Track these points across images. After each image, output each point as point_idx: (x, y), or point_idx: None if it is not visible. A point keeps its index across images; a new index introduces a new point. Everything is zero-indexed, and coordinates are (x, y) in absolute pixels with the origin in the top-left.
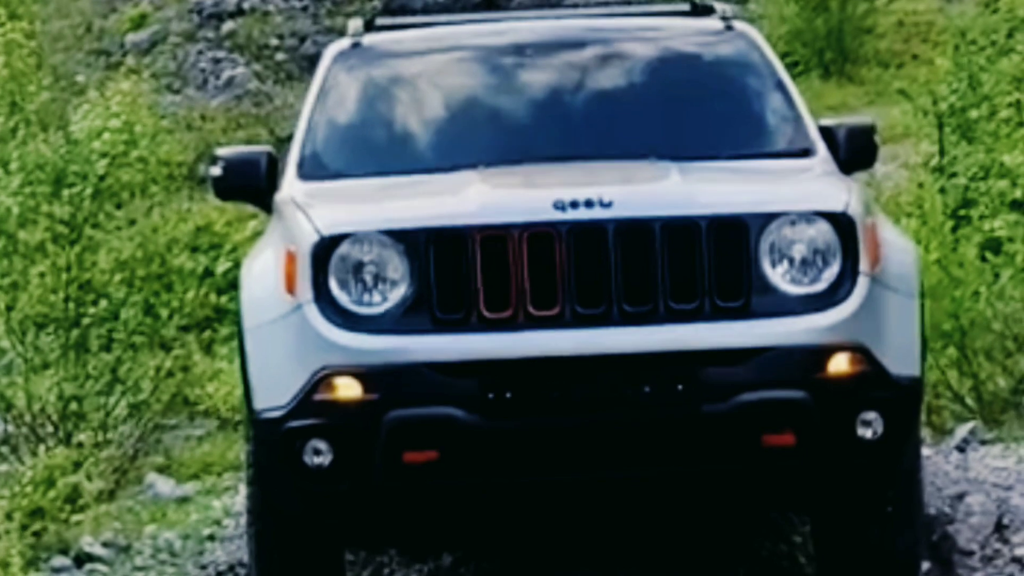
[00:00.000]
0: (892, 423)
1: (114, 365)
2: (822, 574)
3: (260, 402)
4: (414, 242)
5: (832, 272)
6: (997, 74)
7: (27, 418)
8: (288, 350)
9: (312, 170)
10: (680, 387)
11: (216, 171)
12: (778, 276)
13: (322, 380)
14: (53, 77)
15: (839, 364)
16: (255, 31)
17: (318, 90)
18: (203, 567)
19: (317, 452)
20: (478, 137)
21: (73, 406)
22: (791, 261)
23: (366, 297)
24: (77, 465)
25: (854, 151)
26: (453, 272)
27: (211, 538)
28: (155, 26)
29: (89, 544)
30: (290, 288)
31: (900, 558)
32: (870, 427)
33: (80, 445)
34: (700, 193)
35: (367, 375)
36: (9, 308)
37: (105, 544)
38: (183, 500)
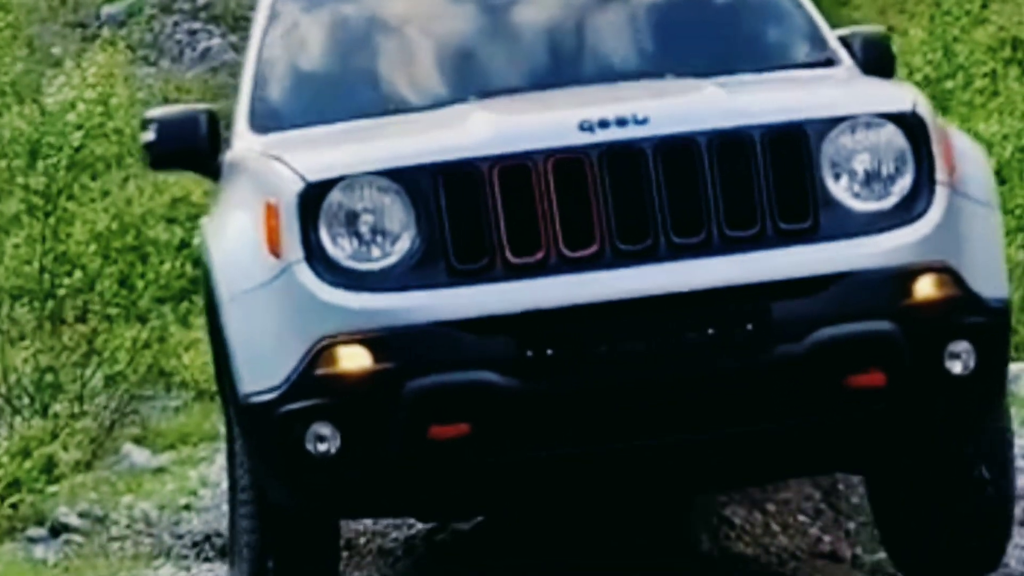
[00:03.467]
0: (984, 355)
1: (90, 336)
2: (891, 552)
3: (247, 384)
4: (418, 182)
5: (905, 183)
6: (972, 44)
7: (2, 390)
8: (278, 320)
9: (268, 121)
10: (750, 327)
11: (149, 136)
12: (844, 191)
13: (323, 351)
14: (28, 49)
15: (925, 288)
16: (231, 2)
17: (263, 27)
18: (179, 537)
19: (321, 438)
20: (463, 66)
21: (49, 377)
22: (857, 173)
23: (366, 250)
24: (53, 436)
25: (873, 61)
26: (468, 213)
27: (187, 508)
28: None
29: (65, 514)
30: (273, 248)
31: (989, 527)
32: (959, 360)
33: (56, 416)
34: (747, 101)
35: (378, 341)
36: None
37: (81, 514)
38: (159, 470)
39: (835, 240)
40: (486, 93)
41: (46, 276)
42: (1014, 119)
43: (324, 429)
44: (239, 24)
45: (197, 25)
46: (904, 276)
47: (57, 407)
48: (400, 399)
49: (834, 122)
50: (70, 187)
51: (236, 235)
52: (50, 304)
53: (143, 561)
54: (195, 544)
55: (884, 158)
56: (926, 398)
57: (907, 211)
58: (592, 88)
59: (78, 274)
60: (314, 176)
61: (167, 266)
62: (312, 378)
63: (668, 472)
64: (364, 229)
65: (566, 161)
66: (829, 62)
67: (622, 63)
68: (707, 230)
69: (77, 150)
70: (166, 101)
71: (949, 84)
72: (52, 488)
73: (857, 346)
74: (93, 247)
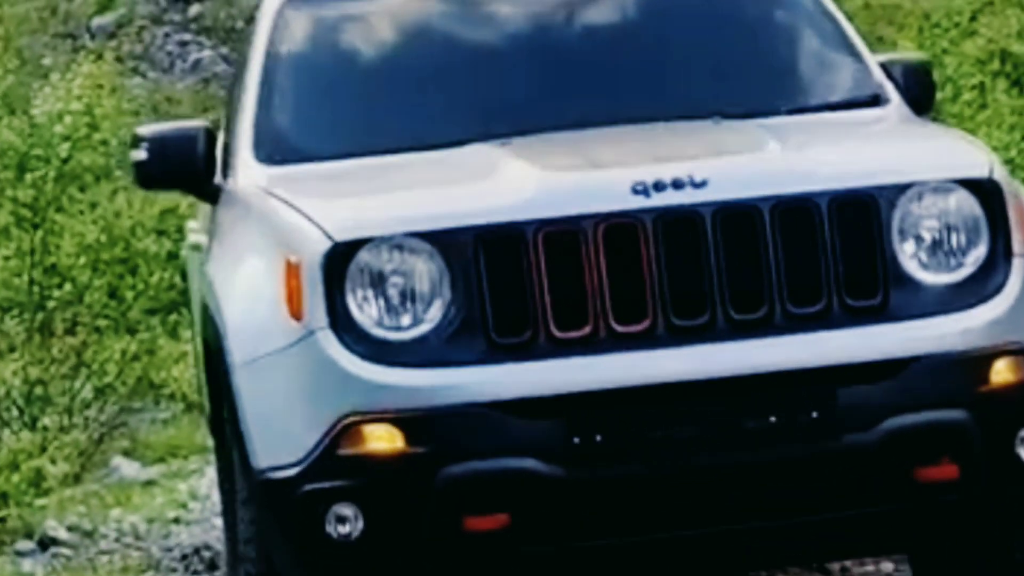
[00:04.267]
0: None
1: (79, 348)
2: None
3: (263, 457)
4: (456, 245)
5: (979, 254)
6: (960, 57)
7: None
8: (299, 391)
9: (276, 151)
10: (815, 414)
11: (140, 155)
12: (914, 264)
13: (348, 429)
14: (19, 60)
15: (1001, 372)
16: (222, 13)
17: (268, 40)
18: (168, 550)
19: (342, 519)
20: (488, 97)
21: (38, 390)
22: (926, 243)
23: (395, 318)
24: (42, 449)
25: (915, 92)
26: (510, 281)
27: (176, 521)
28: (121, 9)
29: (53, 528)
30: (294, 311)
31: None
32: None
33: (45, 429)
34: (812, 163)
35: (410, 421)
36: None
37: (70, 528)
38: (149, 483)
39: (906, 319)
40: (514, 130)
41: (35, 288)
42: (1002, 132)
43: (346, 510)
44: (230, 36)
45: (188, 36)
46: (980, 361)
47: (46, 420)
48: (432, 486)
49: (904, 188)
50: (58, 199)
51: (251, 291)
52: (39, 316)
53: (132, 574)
54: (184, 557)
55: (957, 227)
56: (998, 487)
57: (982, 285)
58: (632, 131)
59: (67, 286)
60: (342, 235)
61: (156, 278)
62: (336, 457)
63: (718, 562)
64: (394, 294)
65: (618, 227)
66: (876, 98)
67: (659, 100)
68: (769, 306)
69: (65, 161)
70: (156, 112)
71: (938, 96)
72: (41, 501)
73: (930, 437)
74: (82, 259)
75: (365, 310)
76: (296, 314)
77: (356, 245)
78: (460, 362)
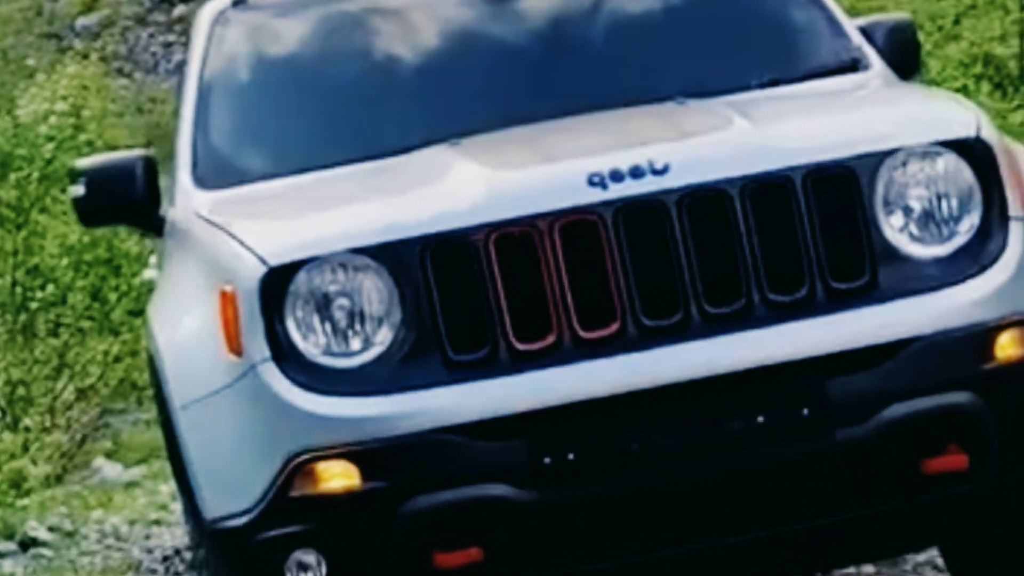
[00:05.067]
0: None
1: (62, 350)
2: None
3: (213, 507)
4: (401, 258)
5: (972, 221)
6: (944, 60)
7: None
8: (244, 432)
9: (213, 174)
10: (805, 411)
11: (78, 190)
12: (902, 237)
13: (299, 469)
14: (3, 60)
15: (1007, 347)
16: None
17: (201, 57)
18: (149, 551)
19: (305, 567)
20: (439, 97)
21: (20, 390)
22: (914, 214)
23: (343, 344)
24: (24, 450)
25: (898, 55)
26: (463, 293)
27: (158, 523)
28: (105, 10)
29: (34, 529)
30: (233, 345)
31: None
32: None
33: (27, 430)
34: (782, 136)
35: (365, 455)
36: None
37: (51, 529)
38: (131, 485)
39: (897, 298)
40: (465, 130)
41: (18, 289)
42: None
43: (307, 557)
44: None
45: (172, 37)
46: (982, 336)
47: (28, 421)
48: (396, 523)
49: (886, 155)
50: (42, 200)
51: (187, 327)
52: (22, 317)
53: (113, 575)
54: (165, 559)
55: (946, 193)
56: (1013, 473)
57: (977, 255)
58: (589, 119)
59: (50, 287)
60: (277, 259)
61: (139, 279)
62: (289, 500)
63: None
64: (339, 317)
65: (575, 224)
66: (855, 64)
67: (618, 84)
68: (746, 297)
69: (49, 162)
70: (140, 112)
71: None
72: (22, 502)
73: (933, 425)
74: (65, 260)
75: (309, 338)
76: (235, 349)
77: (293, 268)
78: (416, 386)
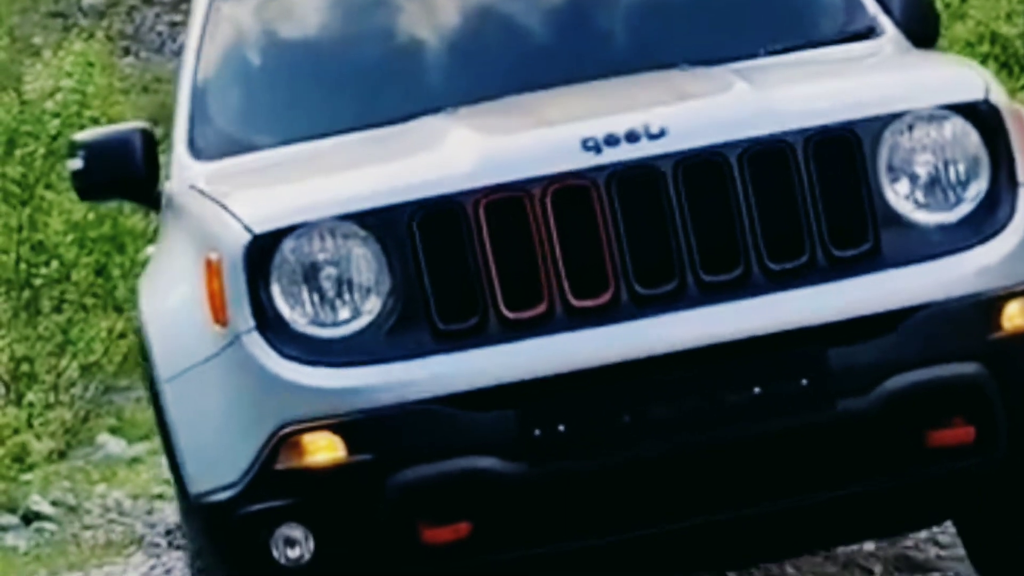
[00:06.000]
0: None
1: (65, 326)
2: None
3: (197, 481)
4: (388, 225)
5: (979, 187)
6: (950, 39)
7: None
8: (228, 403)
9: (210, 145)
10: (804, 381)
11: (76, 164)
12: (906, 204)
13: (285, 441)
14: (10, 38)
15: (1015, 317)
16: None
17: (200, 29)
18: (152, 526)
19: (291, 543)
20: (440, 65)
21: (24, 367)
22: (919, 180)
23: (330, 313)
24: (28, 425)
25: (916, 22)
26: (452, 261)
27: (160, 497)
28: None
29: (37, 503)
30: (217, 315)
31: None
32: None
33: (31, 405)
34: (782, 100)
35: (352, 427)
36: None
37: (54, 503)
38: (134, 460)
39: (901, 266)
40: (465, 99)
41: (22, 265)
42: None
43: (294, 532)
44: None
45: (178, 17)
46: (989, 305)
47: (32, 396)
48: (383, 496)
49: (890, 119)
50: (47, 176)
51: (172, 298)
52: (26, 294)
53: (115, 549)
54: (168, 532)
55: (953, 158)
56: (1021, 446)
57: (985, 222)
58: (589, 87)
59: (54, 264)
60: (262, 226)
61: (143, 255)
62: (274, 473)
63: (709, 557)
64: (327, 287)
65: (568, 189)
66: (870, 31)
67: (619, 51)
68: (744, 265)
69: (54, 138)
70: (145, 91)
71: None
72: (25, 477)
73: (938, 396)
74: (70, 237)
75: (296, 307)
76: (220, 319)
77: (279, 235)
78: (403, 356)
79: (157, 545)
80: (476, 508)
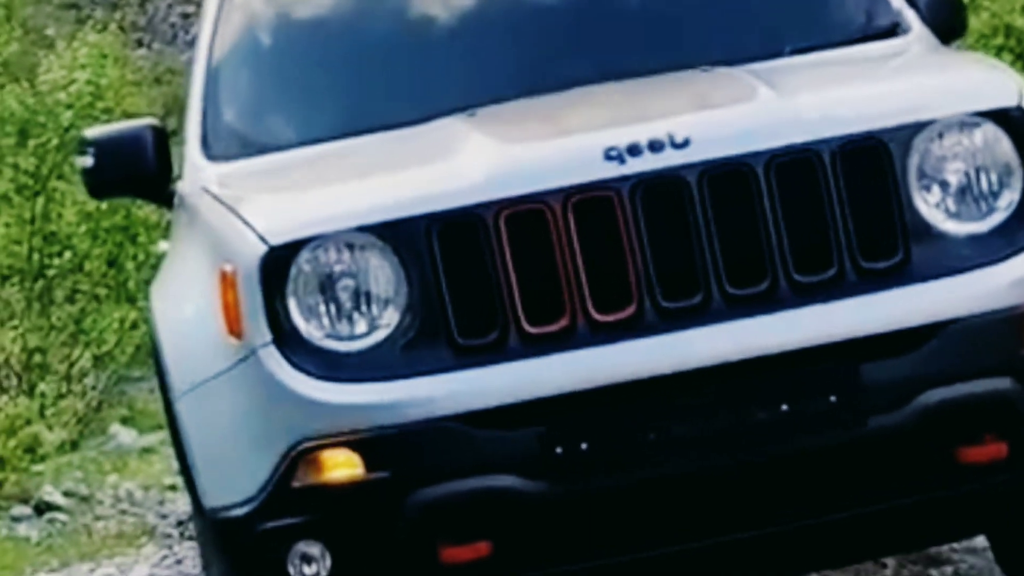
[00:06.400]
0: None
1: (78, 317)
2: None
3: (213, 496)
4: (409, 237)
5: (1012, 197)
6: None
7: None
8: (245, 418)
9: (224, 146)
10: (833, 398)
11: (86, 161)
12: (937, 214)
13: (302, 457)
14: (22, 30)
15: None
16: None
17: (212, 25)
18: (164, 516)
19: (308, 559)
20: (452, 66)
21: (37, 357)
22: (950, 189)
23: (347, 327)
24: (41, 415)
25: (942, 17)
26: (472, 274)
27: (172, 488)
28: None
29: (49, 493)
30: (232, 328)
31: None
32: None
33: (43, 396)
34: (809, 107)
35: (370, 443)
36: None
37: (66, 493)
38: (145, 451)
39: (932, 278)
40: (484, 99)
41: (35, 256)
42: None
43: (311, 548)
44: None
45: (190, 9)
46: (1023, 318)
47: (44, 387)
48: (402, 515)
49: (919, 127)
50: (60, 167)
51: (185, 309)
52: (39, 284)
53: (126, 540)
54: (179, 523)
55: (985, 167)
56: None
57: (1018, 232)
58: (609, 89)
59: (67, 254)
60: (278, 237)
61: (156, 246)
62: (291, 490)
63: (733, 572)
64: (343, 299)
65: (590, 200)
66: (895, 28)
67: (646, 51)
68: (771, 278)
69: (67, 130)
70: (158, 83)
71: None
72: (37, 467)
73: (970, 412)
74: (83, 227)
75: (312, 320)
76: (235, 331)
77: (295, 247)
78: (422, 372)
79: (169, 536)
80: (497, 527)
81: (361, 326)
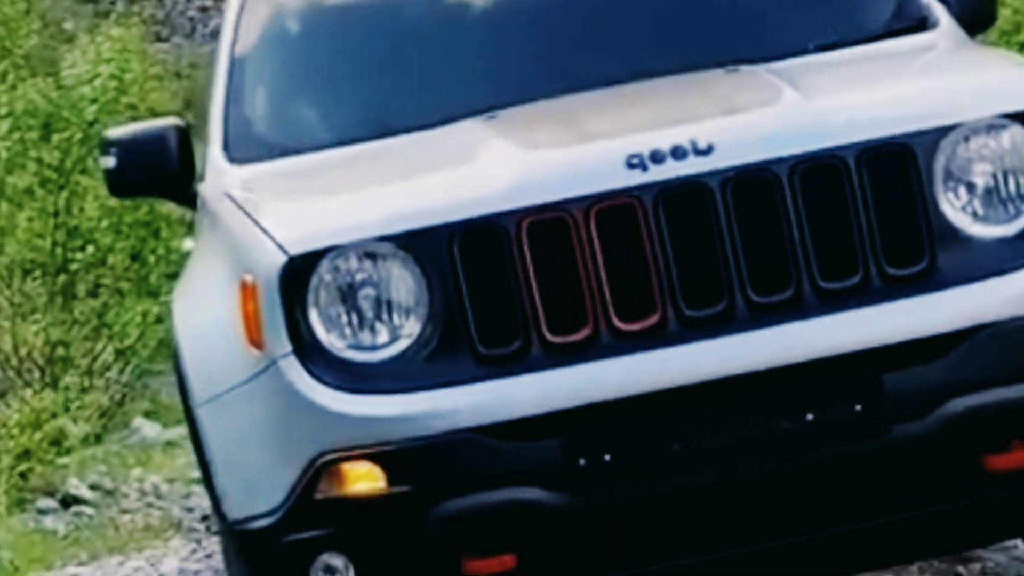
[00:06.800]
0: None
1: (101, 311)
2: None
3: (235, 507)
4: (430, 246)
5: None
6: None
7: (13, 362)
8: (266, 430)
9: (245, 149)
10: (858, 407)
11: (109, 162)
12: (964, 217)
13: (324, 469)
14: (42, 23)
15: None
16: None
17: (234, 25)
18: (189, 510)
19: (331, 571)
20: (473, 67)
21: (60, 351)
22: (977, 192)
23: (369, 337)
24: (64, 409)
25: (970, 10)
26: (494, 283)
27: (197, 482)
28: None
29: (75, 486)
30: (253, 338)
31: None
32: None
33: (67, 389)
34: (835, 111)
35: (392, 456)
36: None
37: (92, 486)
38: (169, 444)
39: (958, 284)
40: (505, 100)
41: (58, 250)
42: None
43: (335, 561)
44: None
45: (209, 2)
46: None
47: (68, 380)
48: (425, 528)
49: (945, 131)
50: (83, 161)
51: (206, 318)
52: (62, 278)
53: (153, 533)
54: (205, 518)
55: (1013, 169)
56: None
57: None
58: (630, 91)
59: (90, 248)
60: (298, 247)
61: (178, 241)
62: (313, 502)
63: None
64: (365, 309)
65: (613, 209)
66: (923, 22)
67: (668, 49)
68: (796, 285)
69: (91, 124)
70: (178, 77)
71: None
72: (62, 460)
73: (998, 419)
74: (105, 222)
75: (333, 331)
76: (256, 342)
77: (315, 257)
78: (444, 383)
79: (195, 530)
80: (520, 540)
81: (382, 336)
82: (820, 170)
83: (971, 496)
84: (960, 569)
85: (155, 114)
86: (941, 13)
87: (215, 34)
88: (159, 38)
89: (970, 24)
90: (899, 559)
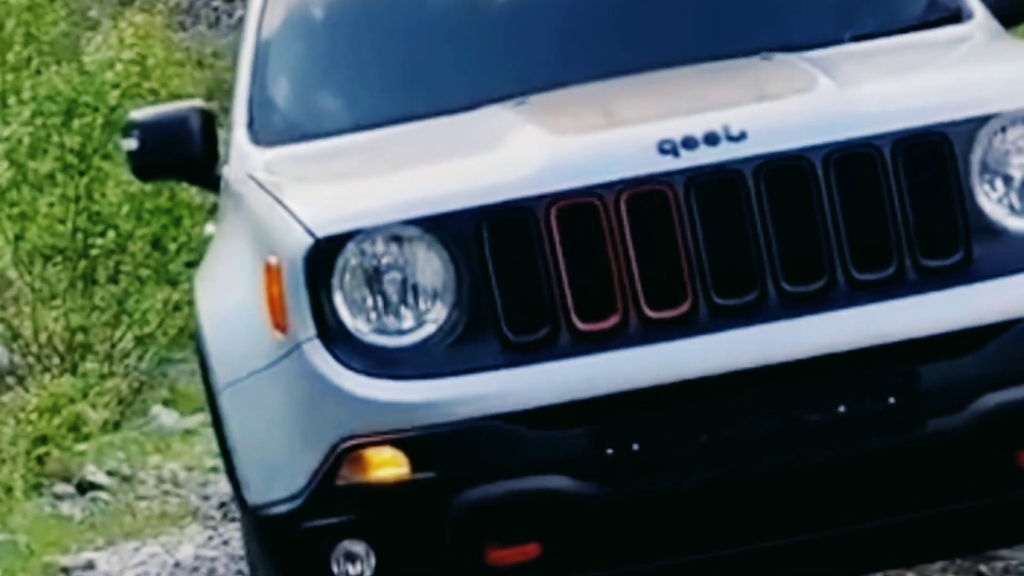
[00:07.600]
0: None
1: (121, 297)
2: None
3: (257, 492)
4: (458, 231)
5: None
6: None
7: (33, 348)
8: (288, 414)
9: (270, 131)
10: (892, 400)
11: (132, 144)
12: (1000, 209)
13: (347, 455)
14: (67, 11)
15: None
16: None
17: (258, 18)
18: (206, 498)
19: (352, 558)
20: (502, 51)
21: (80, 337)
22: (1015, 184)
23: (395, 321)
24: (83, 395)
25: (1005, 1)
26: (523, 269)
27: (215, 470)
28: None
29: (92, 472)
30: (277, 322)
31: None
32: None
33: (86, 375)
34: (870, 100)
35: (416, 443)
36: (18, 238)
37: (109, 473)
38: (187, 432)
39: (994, 277)
40: (536, 85)
41: (79, 236)
42: None
43: (355, 547)
44: None
45: None
46: None
47: (87, 366)
48: (448, 516)
49: (984, 120)
50: (105, 146)
51: (230, 300)
52: (82, 264)
53: (170, 520)
54: (222, 505)
55: None
56: None
57: None
58: (662, 77)
59: (111, 235)
60: (324, 230)
61: (199, 229)
62: (335, 488)
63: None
64: (390, 293)
65: (644, 194)
66: (958, 14)
67: (702, 36)
68: (829, 275)
69: (113, 109)
70: (200, 66)
71: None
72: (80, 446)
73: None
74: (126, 208)
75: (358, 315)
76: (280, 325)
77: (342, 240)
78: (470, 369)
79: (211, 518)
80: (545, 529)
81: (408, 321)
82: (854, 159)
83: (1002, 493)
84: (983, 568)
85: (177, 99)
86: (976, 5)
87: (239, 24)
88: (183, 27)
89: (1005, 18)
90: (927, 556)
